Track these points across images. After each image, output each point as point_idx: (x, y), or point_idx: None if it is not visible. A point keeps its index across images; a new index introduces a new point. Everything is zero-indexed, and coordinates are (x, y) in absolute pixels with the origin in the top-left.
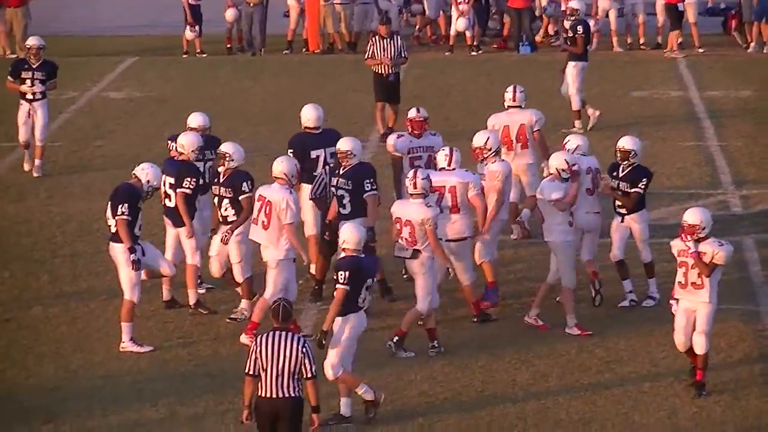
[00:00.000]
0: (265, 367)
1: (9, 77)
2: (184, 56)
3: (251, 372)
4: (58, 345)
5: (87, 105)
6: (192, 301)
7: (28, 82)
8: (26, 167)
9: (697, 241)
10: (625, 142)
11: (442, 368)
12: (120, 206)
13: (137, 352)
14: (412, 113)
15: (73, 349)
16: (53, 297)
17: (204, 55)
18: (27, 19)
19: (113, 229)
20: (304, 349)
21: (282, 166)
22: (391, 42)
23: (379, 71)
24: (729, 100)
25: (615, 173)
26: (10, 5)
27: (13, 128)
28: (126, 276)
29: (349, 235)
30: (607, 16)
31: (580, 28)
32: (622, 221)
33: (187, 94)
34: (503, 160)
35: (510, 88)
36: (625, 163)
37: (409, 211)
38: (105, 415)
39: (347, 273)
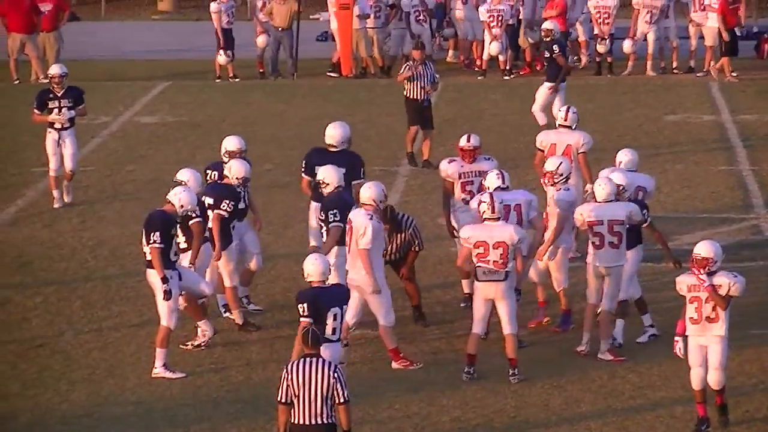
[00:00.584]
0: (297, 395)
1: (35, 110)
2: (217, 81)
3: (284, 400)
4: (90, 371)
5: (119, 129)
6: (239, 321)
7: (56, 111)
8: (56, 205)
9: (710, 274)
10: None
11: (474, 393)
12: (152, 234)
13: (169, 378)
14: (462, 142)
15: (105, 375)
16: (85, 322)
17: (237, 80)
18: (59, 43)
19: (148, 257)
20: (335, 375)
21: (369, 192)
22: (426, 67)
23: (413, 96)
24: (762, 124)
25: None
26: (43, 30)
27: (44, 154)
28: (162, 303)
29: (311, 267)
30: (645, 39)
31: (556, 48)
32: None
33: (220, 119)
34: (569, 189)
35: (563, 108)
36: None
37: (500, 233)
38: None
39: (305, 305)
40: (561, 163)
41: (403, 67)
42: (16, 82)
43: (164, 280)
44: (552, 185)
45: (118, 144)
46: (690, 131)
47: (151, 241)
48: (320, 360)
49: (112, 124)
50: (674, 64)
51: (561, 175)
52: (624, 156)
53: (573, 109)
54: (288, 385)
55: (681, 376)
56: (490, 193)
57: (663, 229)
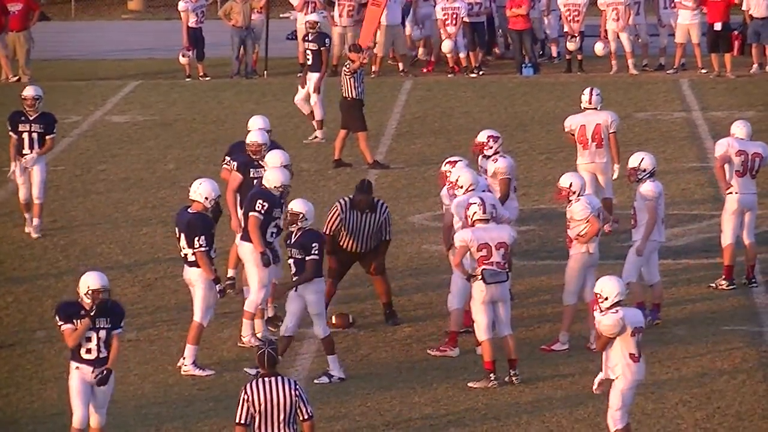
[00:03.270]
0: (259, 415)
1: (10, 133)
2: (187, 80)
3: (243, 421)
4: (61, 369)
5: (90, 129)
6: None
7: (26, 135)
8: (27, 230)
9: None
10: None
11: (446, 391)
12: (197, 239)
13: (198, 376)
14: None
15: None
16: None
17: (207, 79)
18: (30, 43)
19: (190, 258)
20: (297, 392)
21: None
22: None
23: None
24: (732, 120)
25: None
26: (12, 29)
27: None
28: (200, 299)
29: None
30: (617, 38)
31: (327, 41)
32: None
33: (191, 118)
34: (654, 180)
35: (586, 91)
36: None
37: (499, 234)
38: None
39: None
40: (643, 158)
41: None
42: None
43: (216, 280)
44: (636, 181)
45: (89, 143)
46: (660, 128)
47: (197, 246)
48: (280, 378)
49: (82, 124)
50: (645, 62)
51: (644, 170)
52: (738, 128)
53: (596, 90)
54: (248, 406)
55: (653, 373)
56: (479, 196)
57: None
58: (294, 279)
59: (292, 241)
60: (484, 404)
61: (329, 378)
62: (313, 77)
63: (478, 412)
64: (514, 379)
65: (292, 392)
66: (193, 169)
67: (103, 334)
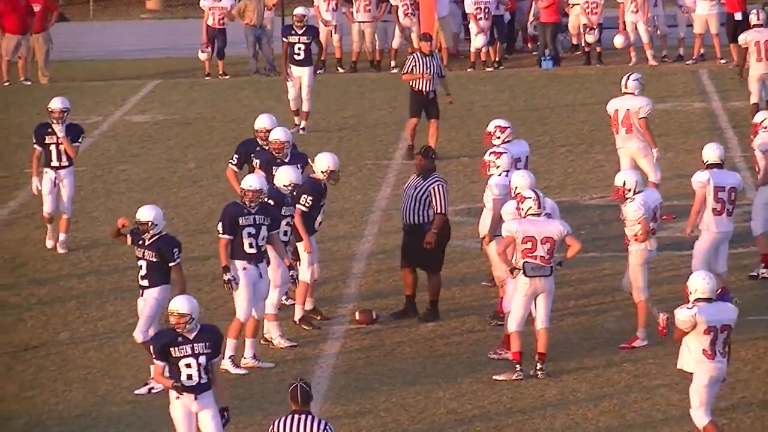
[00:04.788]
0: None
1: (35, 145)
2: (206, 78)
3: None
4: (86, 370)
5: (110, 129)
6: (297, 316)
7: (53, 148)
8: (49, 244)
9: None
10: None
11: (470, 386)
12: (217, 225)
13: (257, 367)
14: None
15: (101, 375)
16: (81, 323)
17: (227, 77)
18: (48, 44)
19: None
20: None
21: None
22: (432, 59)
23: (418, 87)
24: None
25: None
26: (32, 32)
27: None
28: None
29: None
30: (635, 29)
31: (317, 33)
32: None
33: (211, 116)
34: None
35: (625, 76)
36: None
37: (547, 228)
38: None
39: (152, 346)
40: (625, 180)
41: (408, 61)
42: (6, 84)
43: (225, 269)
44: (626, 199)
45: (110, 144)
46: (680, 119)
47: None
48: (310, 417)
49: (102, 124)
50: (663, 53)
51: (630, 189)
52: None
53: (634, 75)
54: None
55: (674, 364)
56: (534, 189)
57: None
58: (162, 287)
59: (147, 244)
60: (509, 398)
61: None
62: (305, 71)
63: (503, 406)
64: (539, 373)
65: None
66: (213, 167)
67: (203, 359)
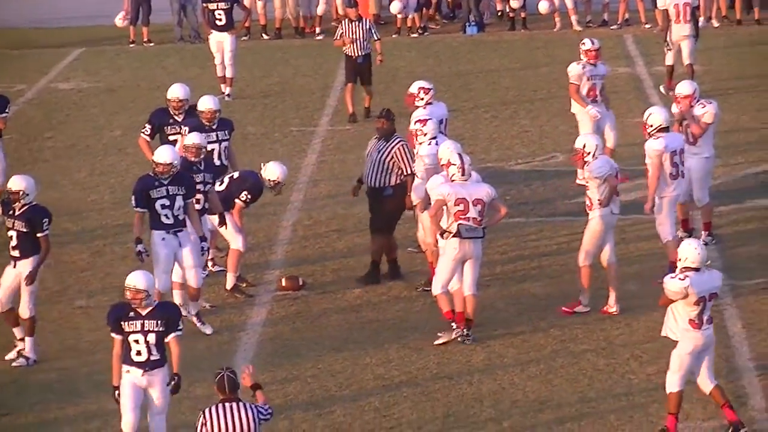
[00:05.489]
0: None
1: None
2: (131, 45)
3: None
4: (13, 338)
5: (36, 97)
6: (229, 285)
7: None
8: None
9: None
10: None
11: (397, 351)
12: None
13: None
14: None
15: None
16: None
17: (152, 45)
18: None
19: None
20: (257, 418)
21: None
22: (360, 24)
23: (350, 53)
24: (678, 75)
25: None
26: None
27: None
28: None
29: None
30: None
31: None
32: None
33: (136, 84)
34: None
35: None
36: None
37: (478, 190)
38: (61, 407)
39: (107, 319)
40: (650, 114)
41: (338, 29)
42: None
43: (136, 241)
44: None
45: (36, 111)
46: (606, 84)
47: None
48: (239, 404)
49: (27, 92)
50: (588, 18)
51: (651, 126)
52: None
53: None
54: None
55: (604, 329)
56: (459, 154)
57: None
58: (35, 257)
59: (17, 214)
60: (436, 364)
61: (27, 360)
62: (226, 36)
63: (429, 372)
64: (467, 339)
65: (252, 418)
66: (139, 135)
67: (152, 337)
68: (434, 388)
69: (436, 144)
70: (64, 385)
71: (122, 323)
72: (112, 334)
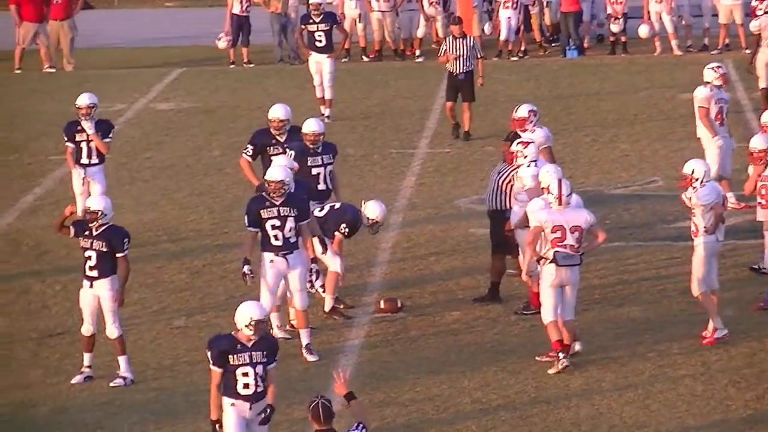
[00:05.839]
0: None
1: (67, 143)
2: (231, 66)
3: None
4: (110, 357)
5: (135, 117)
6: (327, 307)
7: (84, 145)
8: None
9: None
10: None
11: (495, 375)
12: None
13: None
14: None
15: None
16: None
17: (251, 65)
18: (73, 32)
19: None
20: None
21: None
22: (464, 41)
23: (452, 69)
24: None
25: None
26: (55, 18)
27: (62, 142)
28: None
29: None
30: (660, 19)
31: (337, 19)
32: None
33: (235, 104)
34: None
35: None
36: None
37: (577, 217)
38: (159, 427)
39: (210, 352)
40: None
41: (441, 46)
42: (18, 71)
43: (244, 261)
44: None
45: (135, 131)
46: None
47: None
48: None
49: (127, 112)
50: (688, 43)
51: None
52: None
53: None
54: None
55: (702, 354)
56: (559, 181)
57: (678, 208)
58: (113, 278)
59: (95, 234)
60: (534, 388)
61: (124, 380)
62: (325, 59)
63: (528, 396)
64: (564, 361)
65: None
66: (238, 155)
67: (260, 369)
68: (532, 412)
69: (535, 166)
70: (161, 405)
71: (229, 356)
72: (214, 367)
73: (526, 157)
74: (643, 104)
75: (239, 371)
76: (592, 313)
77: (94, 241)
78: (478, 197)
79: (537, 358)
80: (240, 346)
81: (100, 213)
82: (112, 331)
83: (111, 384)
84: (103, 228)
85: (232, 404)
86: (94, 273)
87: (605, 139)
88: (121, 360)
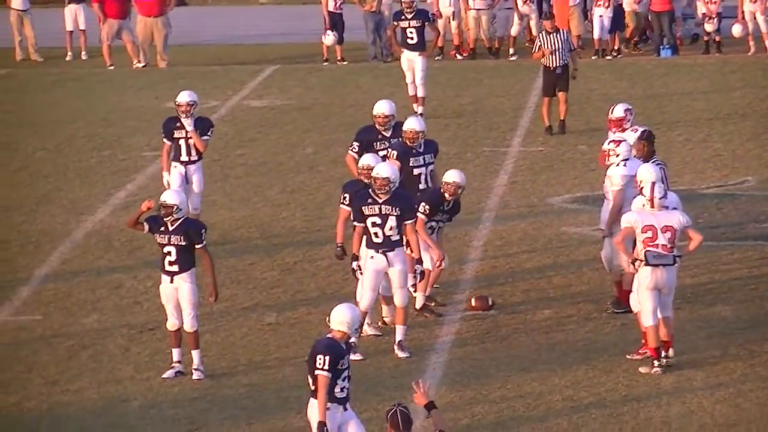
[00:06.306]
0: None
1: (164, 140)
2: (324, 64)
3: None
4: (202, 354)
5: (228, 114)
6: (419, 304)
7: (182, 142)
8: None
9: None
10: None
11: (586, 373)
12: None
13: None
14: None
15: (216, 358)
16: (201, 305)
17: (345, 63)
18: (167, 29)
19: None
20: None
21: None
22: (558, 35)
23: (547, 64)
24: None
25: None
26: (148, 15)
27: (156, 138)
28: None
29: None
30: (754, 18)
31: (431, 16)
32: None
33: (329, 102)
34: None
35: None
36: None
37: (669, 218)
38: (249, 423)
39: (327, 357)
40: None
41: (535, 42)
42: (111, 67)
43: (353, 257)
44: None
45: (228, 128)
46: None
47: None
48: None
49: (221, 108)
50: None
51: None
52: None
53: None
54: None
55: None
56: (653, 184)
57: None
58: (192, 271)
59: (172, 229)
60: (625, 386)
61: (202, 372)
62: (416, 57)
63: (618, 394)
64: (663, 360)
65: None
66: (331, 153)
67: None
68: (622, 410)
69: (625, 166)
70: (252, 401)
71: (340, 361)
72: (325, 373)
73: (618, 155)
74: (737, 104)
75: (342, 375)
76: (683, 312)
77: (172, 236)
78: (571, 196)
79: (628, 356)
80: (344, 347)
81: (175, 207)
82: (189, 325)
83: (194, 377)
84: (179, 222)
85: (327, 408)
86: (175, 268)
87: (698, 138)
88: (195, 354)
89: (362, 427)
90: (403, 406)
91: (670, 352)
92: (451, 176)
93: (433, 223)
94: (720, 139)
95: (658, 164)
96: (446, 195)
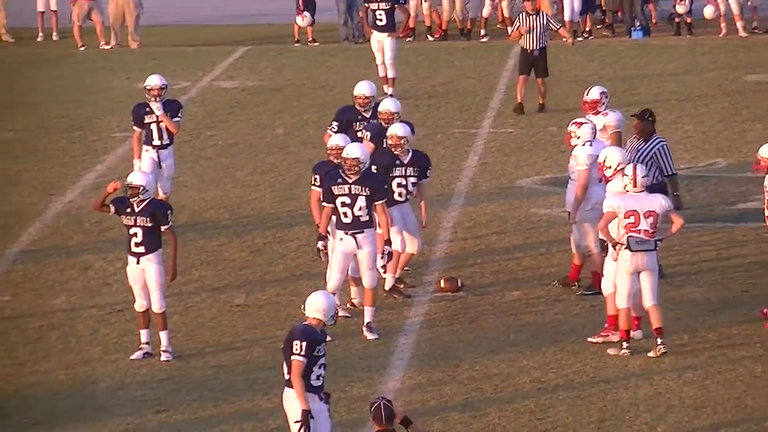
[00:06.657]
0: None
1: (134, 127)
2: (296, 45)
3: None
4: (170, 335)
5: (199, 95)
6: (388, 285)
7: (154, 126)
8: None
9: None
10: None
11: (554, 354)
12: None
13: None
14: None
15: (185, 339)
16: (165, 287)
17: (316, 44)
18: (139, 9)
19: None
20: None
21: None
22: (537, 17)
23: (525, 46)
24: None
25: None
26: None
27: (127, 119)
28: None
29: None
30: (726, 0)
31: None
32: None
33: (300, 83)
34: None
35: None
36: None
37: (651, 202)
38: (217, 404)
39: (304, 343)
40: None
41: (515, 21)
42: (82, 48)
43: (318, 237)
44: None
45: (198, 109)
46: None
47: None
48: None
49: (191, 89)
50: (754, 24)
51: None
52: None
53: None
54: None
55: (761, 335)
56: (634, 165)
57: (740, 189)
58: (159, 252)
59: (138, 210)
60: (593, 368)
61: (170, 354)
62: (386, 38)
63: (586, 376)
64: (661, 347)
65: None
66: (302, 134)
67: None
68: (590, 392)
69: (591, 146)
70: (220, 382)
71: (317, 347)
72: (301, 358)
73: (579, 137)
74: (708, 85)
75: (318, 363)
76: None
77: (138, 217)
78: (540, 177)
79: (589, 339)
80: (321, 332)
81: (141, 188)
82: (157, 306)
83: (162, 359)
84: (145, 203)
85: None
86: (141, 249)
87: (668, 120)
88: (163, 335)
89: (329, 423)
90: (386, 399)
91: (664, 338)
92: (393, 125)
93: (401, 179)
94: (690, 120)
95: (659, 142)
96: (392, 150)
